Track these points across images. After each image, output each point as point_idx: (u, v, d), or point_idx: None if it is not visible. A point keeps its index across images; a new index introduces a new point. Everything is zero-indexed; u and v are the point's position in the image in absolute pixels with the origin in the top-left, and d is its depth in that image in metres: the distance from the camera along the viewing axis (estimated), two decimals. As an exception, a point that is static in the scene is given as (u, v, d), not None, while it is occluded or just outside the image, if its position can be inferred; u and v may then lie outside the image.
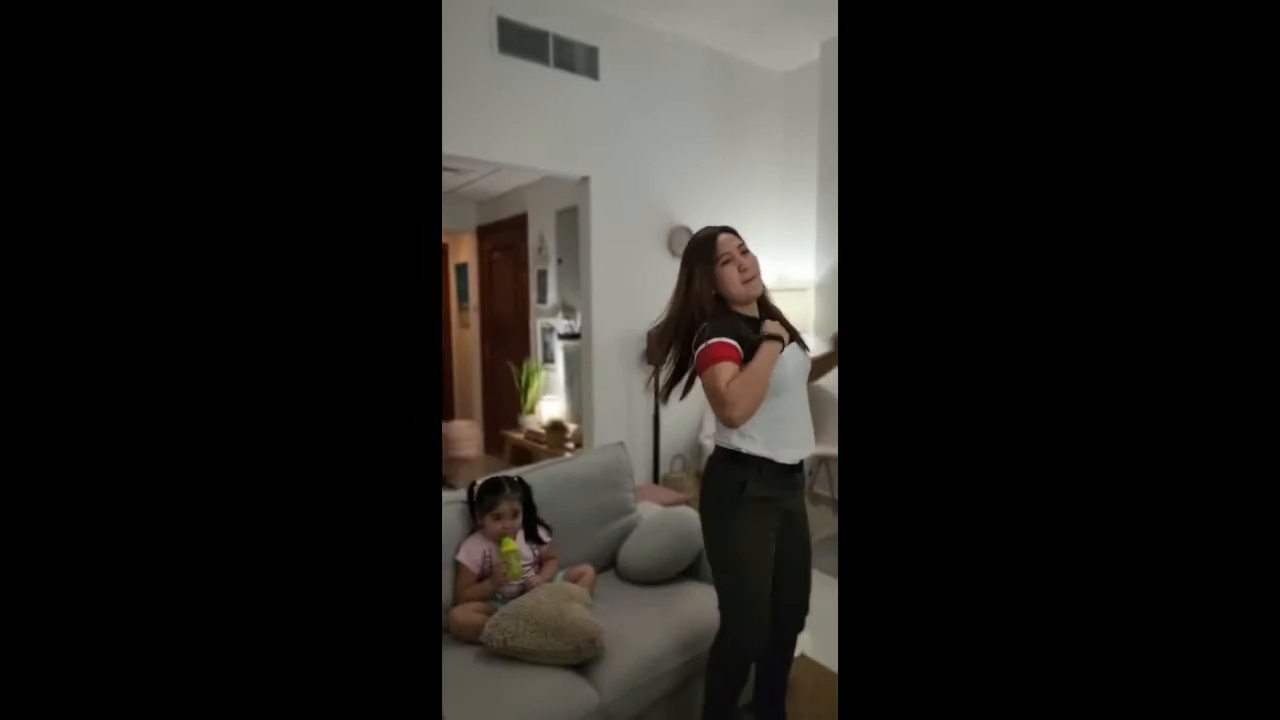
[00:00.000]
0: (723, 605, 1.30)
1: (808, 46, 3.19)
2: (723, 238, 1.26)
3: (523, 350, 4.94)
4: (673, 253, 3.18)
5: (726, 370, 1.14)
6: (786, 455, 1.25)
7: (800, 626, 1.42)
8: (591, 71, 2.80)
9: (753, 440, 1.23)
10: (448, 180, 4.68)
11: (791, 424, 1.26)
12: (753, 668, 1.46)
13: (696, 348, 1.19)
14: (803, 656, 1.49)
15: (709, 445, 3.30)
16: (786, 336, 1.23)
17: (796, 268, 3.47)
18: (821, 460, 2.90)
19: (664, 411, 3.13)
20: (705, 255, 1.26)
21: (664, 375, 1.33)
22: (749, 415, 1.14)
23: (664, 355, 1.31)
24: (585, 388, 3.11)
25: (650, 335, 1.32)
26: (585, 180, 2.87)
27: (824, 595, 1.51)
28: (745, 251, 1.28)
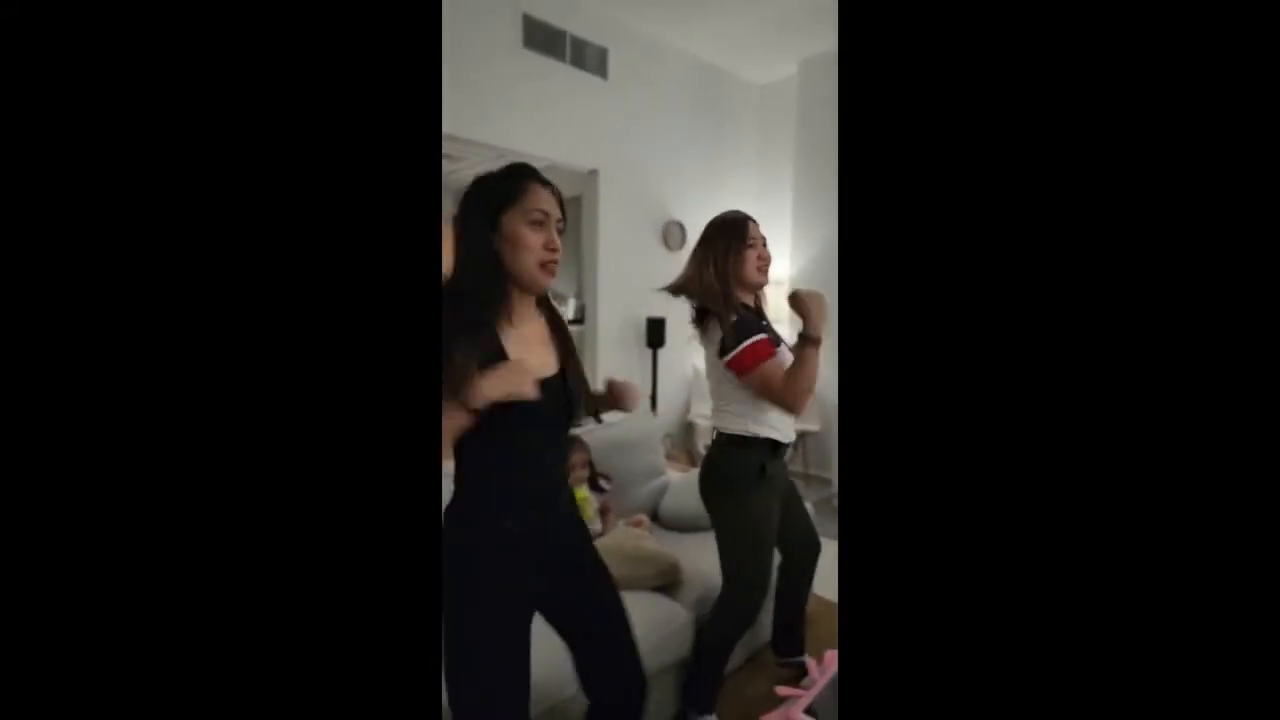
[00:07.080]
0: (734, 578, 1.37)
1: (786, 64, 3.51)
2: (753, 224, 1.40)
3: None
4: (666, 245, 3.41)
5: (774, 367, 1.26)
6: (789, 435, 1.39)
7: (812, 564, 1.60)
8: (601, 71, 2.99)
9: (771, 427, 1.33)
10: (446, 167, 4.67)
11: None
12: (772, 605, 1.65)
13: (739, 339, 1.28)
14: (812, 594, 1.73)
15: (700, 424, 3.55)
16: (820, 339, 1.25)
17: (774, 264, 3.80)
18: (802, 435, 3.21)
19: (659, 393, 3.35)
20: (738, 235, 1.35)
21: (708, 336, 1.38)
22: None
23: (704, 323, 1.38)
24: (587, 369, 3.28)
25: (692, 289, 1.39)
26: (594, 173, 3.05)
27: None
28: (764, 243, 1.42)
